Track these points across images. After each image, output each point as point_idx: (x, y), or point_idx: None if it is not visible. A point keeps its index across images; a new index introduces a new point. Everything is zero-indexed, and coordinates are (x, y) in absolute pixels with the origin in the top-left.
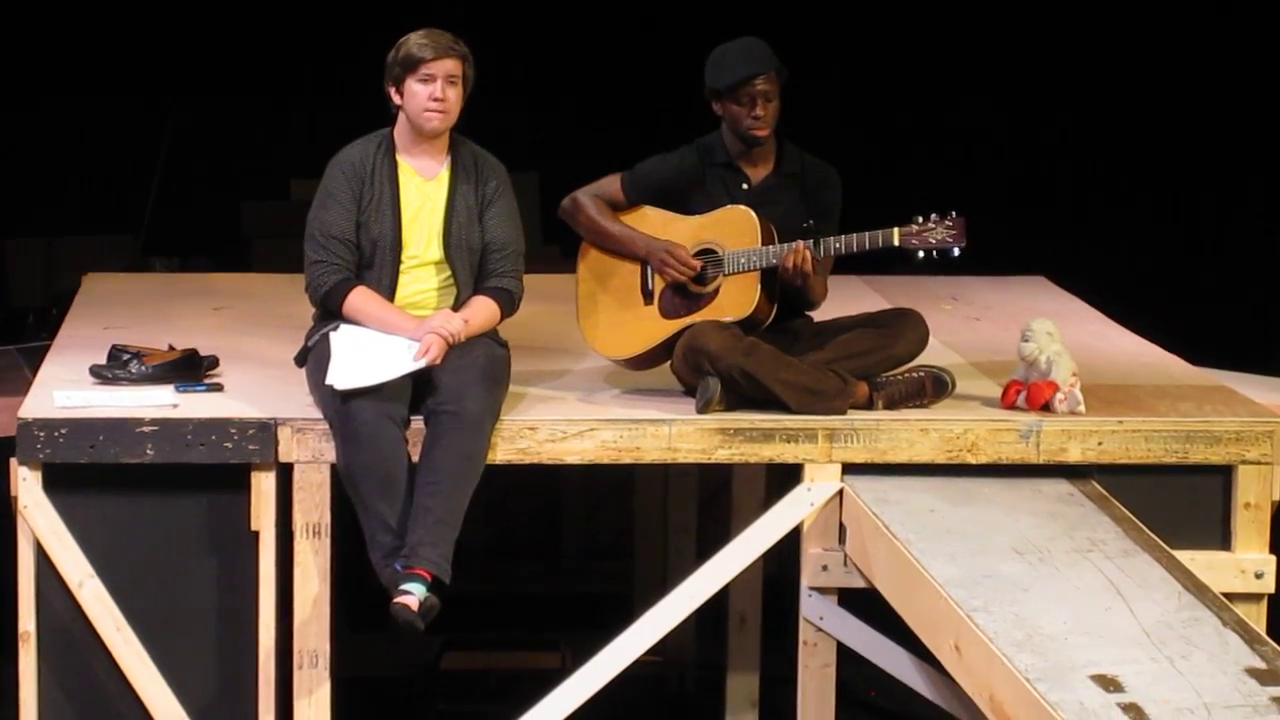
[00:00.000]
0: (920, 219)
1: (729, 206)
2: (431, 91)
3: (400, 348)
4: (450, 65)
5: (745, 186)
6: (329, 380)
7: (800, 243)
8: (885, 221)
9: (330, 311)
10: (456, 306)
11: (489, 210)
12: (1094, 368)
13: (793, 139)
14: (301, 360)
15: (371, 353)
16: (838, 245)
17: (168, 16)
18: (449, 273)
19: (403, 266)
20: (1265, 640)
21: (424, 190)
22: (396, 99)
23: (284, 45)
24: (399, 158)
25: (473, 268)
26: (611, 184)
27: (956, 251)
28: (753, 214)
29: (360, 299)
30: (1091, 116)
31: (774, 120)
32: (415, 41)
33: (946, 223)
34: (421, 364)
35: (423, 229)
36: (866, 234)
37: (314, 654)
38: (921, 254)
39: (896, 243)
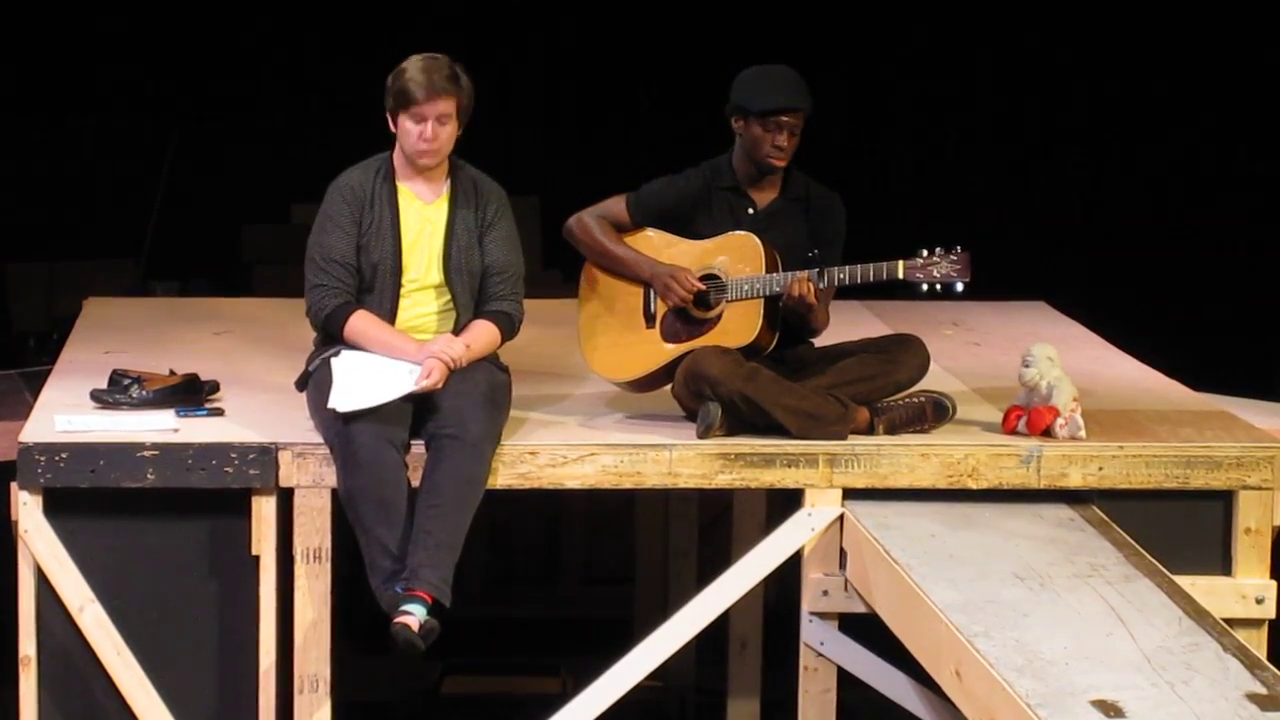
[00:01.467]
0: (925, 252)
1: (734, 232)
2: (422, 131)
3: (402, 372)
4: (442, 106)
5: (751, 211)
6: (331, 403)
7: (804, 273)
8: (889, 247)
9: (331, 335)
10: (457, 330)
11: (489, 234)
12: (1095, 393)
13: (799, 165)
14: (302, 385)
15: (373, 377)
16: (842, 276)
17: (169, 41)
18: (449, 296)
19: (403, 290)
20: (1266, 666)
21: (424, 214)
22: (394, 127)
23: (284, 70)
24: (399, 182)
25: (473, 291)
26: (616, 205)
27: (960, 286)
28: (758, 240)
29: (361, 323)
30: (1092, 141)
31: (791, 154)
32: (411, 77)
33: (951, 257)
34: (424, 385)
35: (423, 253)
36: (871, 265)
37: (314, 678)
38: (926, 287)
39: (901, 275)
